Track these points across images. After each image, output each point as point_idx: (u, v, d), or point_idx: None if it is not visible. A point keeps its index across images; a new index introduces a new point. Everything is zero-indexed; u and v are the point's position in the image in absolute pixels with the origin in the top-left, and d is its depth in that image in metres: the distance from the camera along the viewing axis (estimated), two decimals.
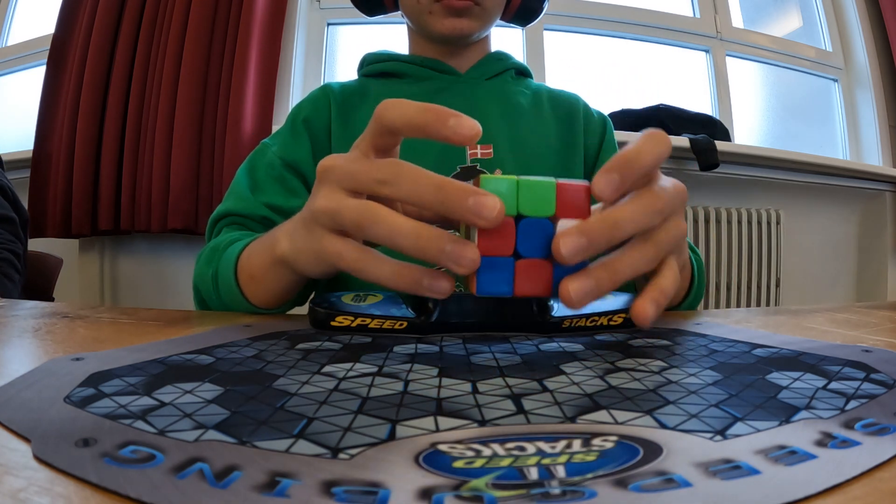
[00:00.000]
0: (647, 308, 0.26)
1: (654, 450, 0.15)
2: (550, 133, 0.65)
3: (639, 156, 0.26)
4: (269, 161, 0.60)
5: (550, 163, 0.64)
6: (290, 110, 1.64)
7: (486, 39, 0.68)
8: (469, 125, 0.27)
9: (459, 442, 0.16)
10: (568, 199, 0.26)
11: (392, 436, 0.17)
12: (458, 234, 0.29)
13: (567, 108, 0.67)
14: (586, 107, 0.69)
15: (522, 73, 0.70)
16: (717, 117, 1.69)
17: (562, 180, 0.26)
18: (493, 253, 0.25)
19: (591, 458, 0.15)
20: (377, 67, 0.66)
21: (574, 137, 0.66)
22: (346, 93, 0.65)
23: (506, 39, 1.72)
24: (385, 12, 0.69)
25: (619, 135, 1.60)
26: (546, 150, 0.64)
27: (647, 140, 0.27)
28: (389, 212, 0.27)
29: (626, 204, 0.26)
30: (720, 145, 1.52)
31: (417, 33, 0.66)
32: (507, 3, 0.64)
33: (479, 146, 0.62)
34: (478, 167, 0.61)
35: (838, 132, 1.99)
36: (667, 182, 0.28)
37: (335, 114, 0.63)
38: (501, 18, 0.66)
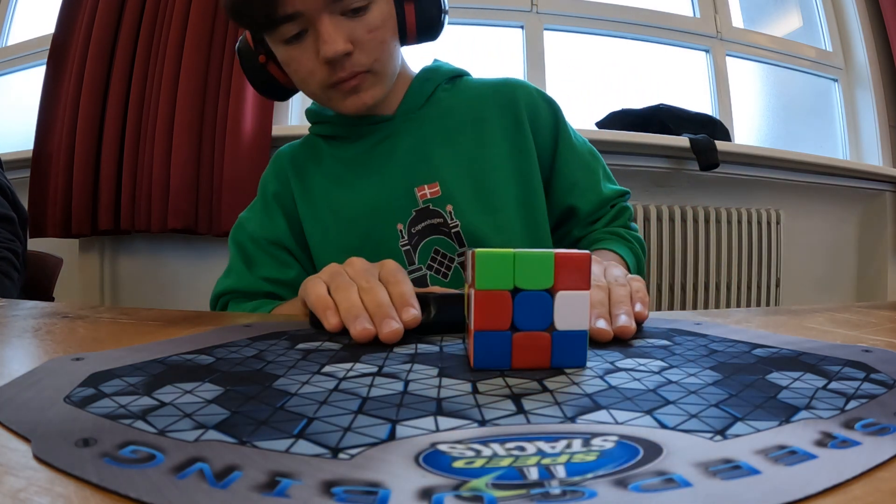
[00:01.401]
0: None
1: (654, 450, 0.15)
2: (498, 138, 0.63)
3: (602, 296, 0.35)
4: (250, 236, 0.64)
5: (504, 172, 0.62)
6: (289, 111, 1.62)
7: (404, 69, 0.65)
8: (393, 332, 0.31)
9: (459, 442, 0.16)
10: (567, 270, 0.25)
11: (392, 436, 0.17)
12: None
13: (509, 101, 0.64)
14: (528, 95, 0.65)
15: (457, 75, 0.68)
16: (717, 117, 1.69)
17: (561, 251, 0.25)
18: (490, 327, 0.25)
19: (591, 458, 0.15)
20: (320, 129, 0.67)
21: (523, 136, 0.63)
22: (299, 160, 0.66)
23: (506, 40, 1.72)
24: (296, 93, 0.67)
25: (619, 134, 1.58)
26: (498, 161, 0.63)
27: (599, 293, 0.35)
28: (354, 295, 0.34)
29: (616, 292, 0.36)
30: (720, 145, 1.52)
31: None
32: (404, 33, 0.59)
33: (426, 186, 0.61)
34: (430, 207, 0.61)
35: (838, 132, 1.99)
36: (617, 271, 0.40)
37: (294, 182, 0.65)
38: (407, 43, 0.62)
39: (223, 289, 0.63)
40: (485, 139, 0.63)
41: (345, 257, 0.61)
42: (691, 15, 1.84)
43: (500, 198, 0.62)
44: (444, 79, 0.66)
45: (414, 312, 0.32)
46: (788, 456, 0.15)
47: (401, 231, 0.61)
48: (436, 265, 0.61)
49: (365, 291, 0.34)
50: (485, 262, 0.25)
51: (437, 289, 0.44)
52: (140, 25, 1.50)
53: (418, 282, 0.61)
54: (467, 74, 0.69)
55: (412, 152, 0.63)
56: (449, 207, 0.61)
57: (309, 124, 0.69)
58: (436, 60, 0.69)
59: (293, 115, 1.55)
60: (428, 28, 0.60)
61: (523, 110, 0.64)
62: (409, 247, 0.61)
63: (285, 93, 0.66)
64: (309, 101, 0.67)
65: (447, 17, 0.63)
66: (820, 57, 1.95)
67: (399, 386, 0.22)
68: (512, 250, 0.25)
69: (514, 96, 0.65)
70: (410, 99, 0.64)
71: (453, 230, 0.61)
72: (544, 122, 0.65)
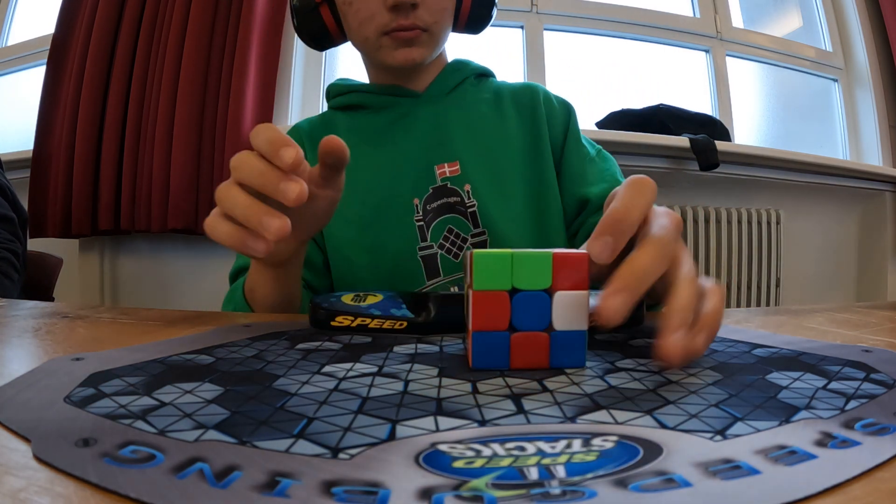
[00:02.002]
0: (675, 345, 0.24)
1: (654, 450, 0.15)
2: (516, 134, 0.65)
3: (628, 213, 0.27)
4: None
5: (519, 166, 0.64)
6: (289, 111, 1.62)
7: (442, 53, 0.68)
8: (293, 191, 0.32)
9: (459, 442, 0.16)
10: (565, 270, 0.25)
11: (392, 436, 0.17)
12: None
13: (528, 102, 0.67)
14: (546, 95, 0.68)
15: (484, 74, 0.70)
16: (717, 117, 1.69)
17: (558, 251, 0.25)
18: (488, 328, 0.25)
19: (591, 458, 0.15)
20: (340, 101, 0.68)
21: (539, 132, 0.65)
22: (315, 131, 0.67)
23: (506, 40, 1.72)
24: (336, 45, 0.69)
25: (619, 135, 1.58)
26: (514, 153, 0.64)
27: (632, 193, 0.28)
28: (236, 193, 0.34)
29: (643, 253, 0.26)
30: (720, 145, 1.52)
31: (372, 63, 0.67)
32: (456, 17, 0.64)
33: (446, 164, 0.62)
34: (448, 185, 0.62)
35: (838, 132, 1.99)
36: (664, 219, 0.28)
37: (310, 156, 0.65)
38: (453, 31, 0.66)
39: (237, 268, 0.64)
40: (503, 133, 0.65)
41: (358, 229, 0.63)
42: (691, 15, 1.85)
43: (513, 190, 0.63)
44: (473, 74, 0.69)
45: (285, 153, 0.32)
46: (788, 456, 0.15)
47: (416, 206, 0.62)
48: (448, 244, 0.61)
49: (242, 207, 0.34)
50: (482, 263, 0.25)
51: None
52: (140, 25, 1.50)
53: (428, 260, 0.61)
54: (493, 76, 0.72)
55: (433, 131, 0.64)
56: (467, 187, 0.62)
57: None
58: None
59: (293, 116, 1.55)
60: (478, 18, 0.65)
61: (541, 109, 0.66)
62: (422, 223, 0.61)
63: (325, 41, 0.67)
64: (312, 91, 0.68)
65: (496, 11, 0.67)
66: (820, 57, 1.96)
67: (399, 386, 0.22)
68: (510, 250, 0.25)
69: (534, 98, 0.67)
70: (440, 82, 0.66)
71: (469, 210, 0.61)
72: (557, 120, 0.67)
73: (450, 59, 0.70)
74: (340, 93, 0.68)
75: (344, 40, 0.67)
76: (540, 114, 0.66)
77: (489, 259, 0.25)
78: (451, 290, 0.60)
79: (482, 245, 0.61)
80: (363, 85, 0.68)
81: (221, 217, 0.35)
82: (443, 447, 0.16)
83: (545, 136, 0.65)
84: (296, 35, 1.57)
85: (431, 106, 0.65)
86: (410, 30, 0.58)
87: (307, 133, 0.67)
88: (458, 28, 0.66)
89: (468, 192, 0.61)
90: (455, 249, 0.61)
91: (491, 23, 0.68)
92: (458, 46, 0.70)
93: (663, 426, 0.17)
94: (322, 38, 0.66)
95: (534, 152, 0.65)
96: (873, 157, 1.89)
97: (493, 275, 0.25)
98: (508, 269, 0.25)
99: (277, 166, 0.33)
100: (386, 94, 0.65)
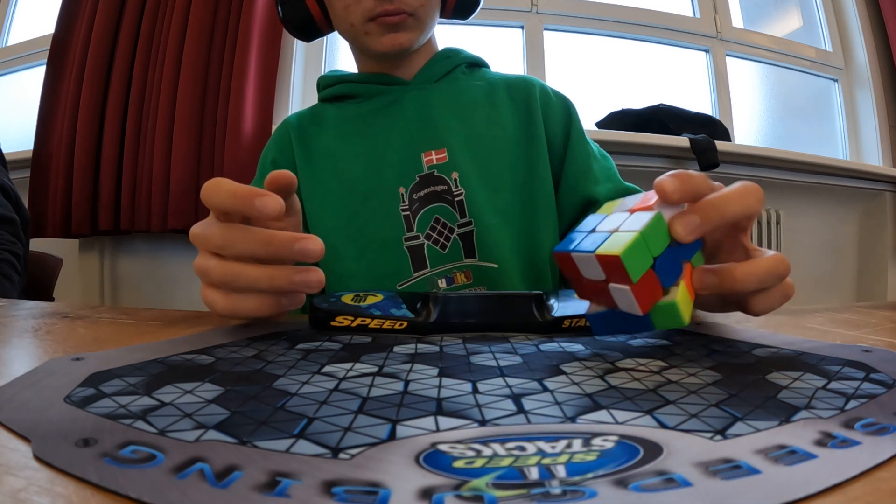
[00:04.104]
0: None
1: (654, 450, 0.15)
2: (508, 124, 0.64)
3: (725, 204, 0.28)
4: None
5: (510, 156, 0.63)
6: (289, 111, 1.63)
7: (431, 41, 0.67)
8: (271, 204, 0.30)
9: (460, 442, 0.16)
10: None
11: (392, 436, 0.17)
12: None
13: (523, 94, 0.66)
14: (543, 89, 0.67)
15: (476, 64, 0.69)
16: (717, 117, 1.69)
17: (665, 210, 0.27)
18: (654, 302, 0.28)
19: (591, 457, 0.15)
20: (330, 92, 0.67)
21: (534, 125, 0.64)
22: (304, 124, 0.66)
23: (506, 40, 1.72)
24: (322, 35, 0.68)
25: (619, 134, 1.58)
26: (505, 143, 0.63)
27: (740, 191, 0.29)
28: (244, 267, 0.33)
29: (732, 189, 0.29)
30: (720, 145, 1.52)
31: (359, 50, 0.66)
32: (444, 2, 0.64)
33: (433, 152, 0.61)
34: (435, 173, 0.61)
35: (838, 132, 1.99)
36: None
37: (297, 148, 0.65)
38: (441, 17, 0.65)
39: None
40: (495, 121, 0.64)
41: (345, 219, 0.62)
42: (691, 15, 1.85)
43: (503, 179, 0.62)
44: (465, 62, 0.68)
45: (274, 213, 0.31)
46: (788, 456, 0.15)
47: (402, 195, 0.60)
48: (435, 234, 0.60)
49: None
50: (630, 259, 0.26)
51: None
52: (140, 25, 1.50)
53: (415, 251, 0.60)
54: (486, 66, 0.71)
55: (422, 118, 0.63)
56: (455, 175, 0.60)
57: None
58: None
59: None
60: (465, 4, 0.65)
61: (537, 101, 0.65)
62: (408, 212, 0.60)
63: (312, 31, 0.67)
64: (312, 91, 0.68)
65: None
66: (820, 57, 1.96)
67: (399, 386, 0.22)
68: (637, 233, 0.26)
69: (529, 89, 0.66)
70: (429, 69, 0.65)
71: (457, 198, 0.60)
72: (556, 114, 0.65)
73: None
74: (329, 84, 0.67)
75: (331, 30, 0.66)
76: (535, 106, 0.64)
77: (633, 251, 0.26)
78: (439, 283, 0.59)
79: (468, 235, 0.60)
80: (352, 74, 0.67)
81: (240, 294, 0.34)
82: (443, 447, 0.16)
83: (540, 129, 0.64)
84: None
85: (420, 93, 0.64)
86: (396, 14, 0.57)
87: (295, 127, 0.67)
88: (445, 14, 0.65)
89: (455, 179, 0.60)
90: (442, 240, 0.60)
91: (479, 9, 0.68)
92: (456, 45, 0.70)
93: (663, 426, 0.17)
94: (308, 27, 0.66)
95: (526, 143, 0.63)
96: (873, 157, 1.89)
97: (641, 261, 0.26)
98: (646, 247, 0.27)
99: (258, 217, 0.31)
100: (374, 82, 0.65)
